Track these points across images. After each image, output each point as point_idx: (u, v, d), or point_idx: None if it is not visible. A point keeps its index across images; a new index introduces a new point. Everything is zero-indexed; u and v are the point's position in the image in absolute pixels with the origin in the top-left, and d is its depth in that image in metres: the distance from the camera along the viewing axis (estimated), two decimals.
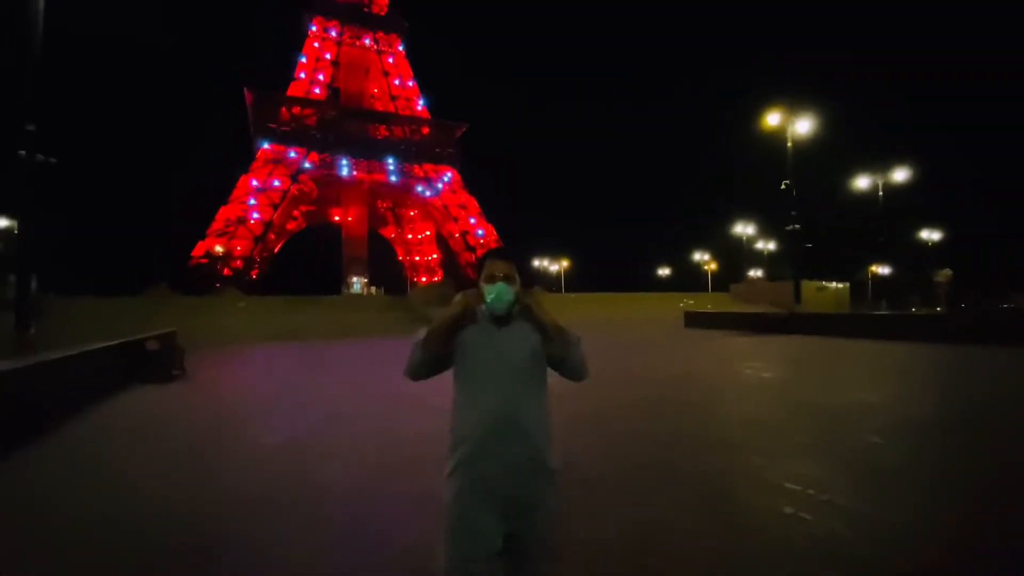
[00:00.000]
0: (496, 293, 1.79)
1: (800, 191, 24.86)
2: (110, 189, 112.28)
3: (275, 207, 67.31)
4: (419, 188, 76.60)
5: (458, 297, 1.86)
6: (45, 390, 7.34)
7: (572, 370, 1.87)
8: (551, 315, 1.84)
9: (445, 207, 76.37)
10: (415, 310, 30.04)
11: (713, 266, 62.17)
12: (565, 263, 66.07)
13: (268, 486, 4.44)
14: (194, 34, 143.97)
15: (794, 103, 24.93)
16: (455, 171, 78.11)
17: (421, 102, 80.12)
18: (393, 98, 78.98)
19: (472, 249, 73.34)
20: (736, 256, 58.93)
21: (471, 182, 78.99)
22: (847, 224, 62.04)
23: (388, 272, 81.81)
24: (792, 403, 7.82)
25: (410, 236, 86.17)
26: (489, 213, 77.76)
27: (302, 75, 74.81)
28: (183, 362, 12.68)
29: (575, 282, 65.27)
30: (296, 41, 78.37)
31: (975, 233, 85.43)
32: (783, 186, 24.56)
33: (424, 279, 79.31)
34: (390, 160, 75.20)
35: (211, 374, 13.06)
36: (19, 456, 5.59)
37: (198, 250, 64.36)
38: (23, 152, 9.10)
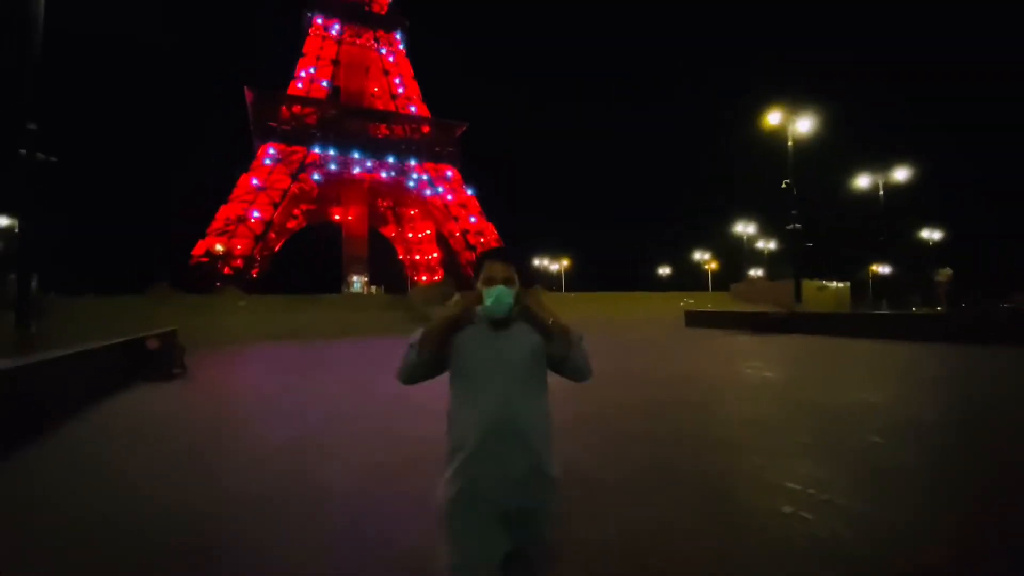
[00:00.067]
0: (496, 297, 1.73)
1: (800, 191, 24.86)
2: (110, 189, 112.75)
3: (275, 206, 67.33)
4: (419, 187, 76.54)
5: (456, 298, 1.81)
6: (45, 389, 7.34)
7: (574, 370, 1.81)
8: (553, 313, 1.79)
9: (445, 206, 76.38)
10: (415, 309, 30.03)
11: (713, 265, 62.15)
12: (565, 262, 66.10)
13: (268, 486, 4.44)
14: (194, 34, 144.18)
15: (794, 103, 24.93)
16: (455, 170, 78.13)
17: (421, 101, 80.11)
18: (393, 97, 79.03)
19: (472, 248, 73.36)
20: (736, 255, 58.95)
21: (471, 181, 79.11)
22: (847, 224, 62.10)
23: (388, 271, 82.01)
24: (792, 403, 7.82)
25: (410, 235, 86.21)
26: (489, 212, 77.97)
27: (302, 74, 74.86)
28: (183, 361, 12.69)
29: (575, 282, 65.39)
30: (296, 40, 78.54)
31: (975, 233, 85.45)
32: (783, 185, 24.55)
33: (424, 278, 79.34)
34: (390, 159, 75.20)
35: (211, 373, 13.06)
36: (19, 456, 5.59)
37: (198, 249, 64.43)
38: (23, 151, 9.10)
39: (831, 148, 39.89)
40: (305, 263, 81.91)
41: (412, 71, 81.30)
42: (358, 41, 78.98)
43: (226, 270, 62.87)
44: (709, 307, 39.57)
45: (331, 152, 71.84)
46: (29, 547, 3.40)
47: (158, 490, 4.40)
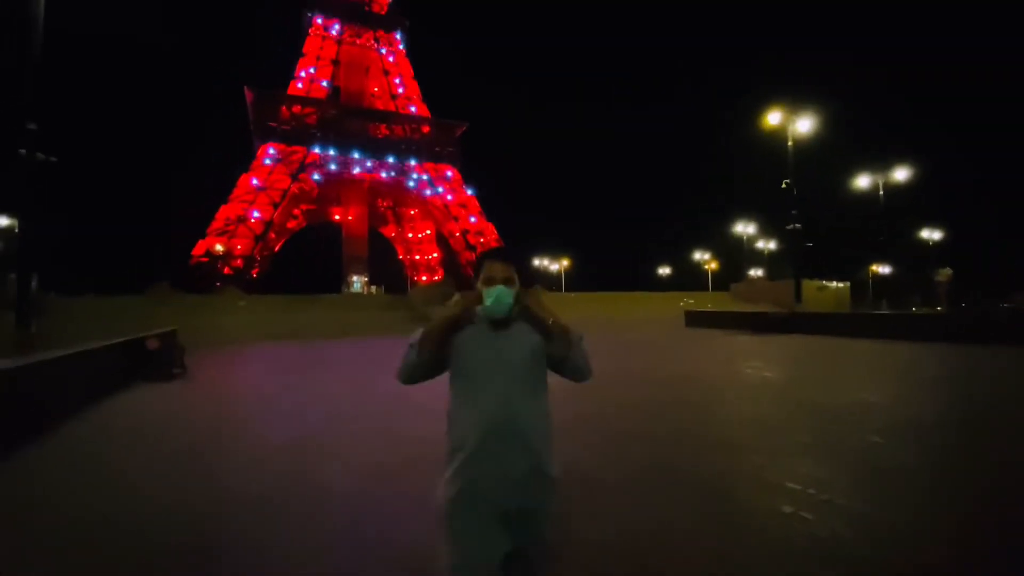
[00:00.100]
0: (496, 297, 1.72)
1: (800, 191, 24.84)
2: (110, 189, 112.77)
3: (275, 206, 67.33)
4: (419, 187, 76.54)
5: (456, 298, 1.80)
6: (45, 389, 7.34)
7: (574, 370, 1.81)
8: (553, 313, 1.78)
9: (445, 206, 76.38)
10: (415, 309, 30.04)
11: (713, 265, 62.14)
12: (565, 262, 66.10)
13: (268, 486, 4.44)
14: (194, 34, 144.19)
15: (794, 103, 24.92)
16: (455, 170, 78.14)
17: (421, 101, 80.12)
18: (393, 97, 79.02)
19: (472, 248, 73.37)
20: (736, 255, 58.93)
21: (472, 181, 79.11)
22: (847, 224, 62.13)
23: (388, 271, 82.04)
24: (793, 403, 7.82)
25: (410, 235, 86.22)
26: (489, 212, 77.99)
27: (302, 74, 74.85)
28: (183, 361, 12.69)
29: (575, 281, 65.40)
30: (296, 40, 78.56)
31: (975, 233, 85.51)
32: (784, 185, 24.54)
33: (424, 278, 79.35)
34: (390, 158, 75.21)
35: (211, 373, 13.06)
36: (19, 456, 5.59)
37: (198, 249, 64.44)
38: (24, 151, 9.10)
39: (831, 148, 39.94)
40: (305, 263, 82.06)
41: (412, 71, 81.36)
42: (358, 41, 78.98)
43: (226, 270, 62.87)
44: (709, 307, 39.57)
45: (331, 152, 71.83)
46: (29, 547, 3.40)
47: (158, 490, 4.40)
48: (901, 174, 30.67)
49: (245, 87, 68.81)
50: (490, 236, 75.55)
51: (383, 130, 76.88)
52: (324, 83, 75.67)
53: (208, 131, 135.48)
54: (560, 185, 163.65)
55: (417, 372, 1.80)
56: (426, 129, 78.42)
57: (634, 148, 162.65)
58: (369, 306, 36.44)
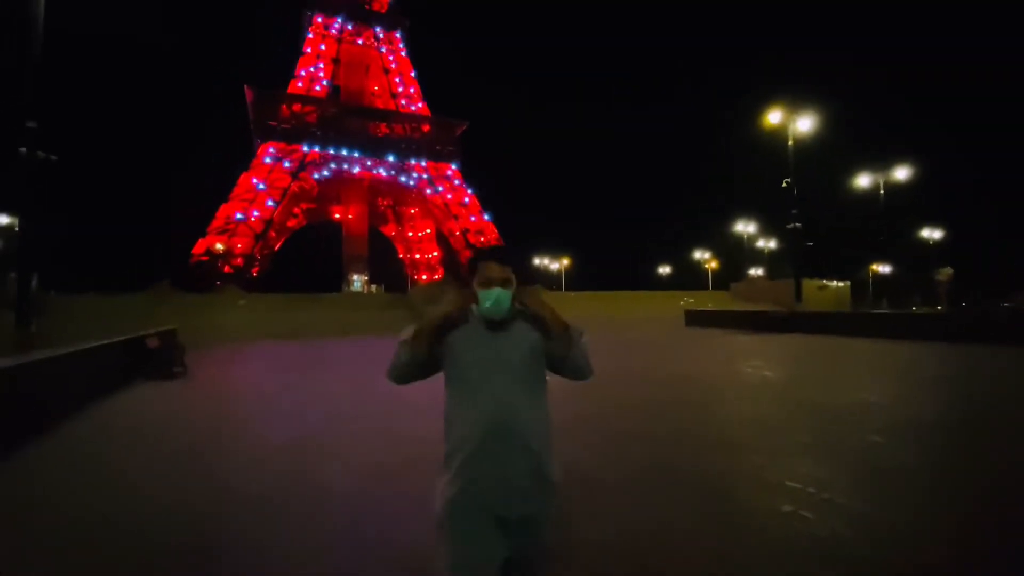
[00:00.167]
0: (494, 300, 1.68)
1: (800, 190, 24.80)
2: (110, 189, 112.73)
3: (276, 205, 67.30)
4: (419, 185, 76.52)
5: (450, 295, 1.76)
6: (46, 388, 7.34)
7: (575, 369, 1.76)
8: (553, 309, 1.72)
9: (446, 205, 76.33)
10: (416, 308, 30.04)
11: (714, 264, 62.15)
12: (565, 262, 66.10)
13: (268, 486, 4.44)
14: (194, 34, 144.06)
15: (794, 102, 24.89)
16: (456, 169, 78.07)
17: (421, 100, 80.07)
18: (394, 95, 78.91)
19: (473, 247, 73.36)
20: (737, 255, 58.95)
21: (472, 181, 79.04)
22: (848, 223, 62.12)
23: (388, 270, 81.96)
24: (793, 402, 7.82)
25: (410, 234, 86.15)
26: (490, 212, 77.87)
27: (302, 73, 74.74)
28: (184, 360, 12.69)
29: (576, 281, 65.41)
30: (296, 39, 78.45)
31: (976, 232, 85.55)
32: (784, 184, 24.52)
33: (425, 277, 79.33)
34: (391, 157, 75.17)
35: (212, 372, 13.07)
36: (19, 456, 5.59)
37: (199, 248, 64.40)
38: (24, 149, 9.09)
39: (831, 148, 39.95)
40: (305, 262, 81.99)
41: (412, 70, 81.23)
42: (358, 40, 78.85)
43: (226, 269, 62.83)
44: (709, 306, 39.57)
45: (331, 151, 71.77)
46: (29, 547, 3.40)
47: (158, 490, 4.40)
48: (901, 173, 30.67)
49: (245, 86, 68.74)
50: (490, 235, 75.47)
51: (383, 129, 76.78)
52: (324, 82, 75.58)
53: (208, 131, 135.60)
54: (560, 185, 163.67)
55: (409, 372, 1.76)
56: (426, 128, 78.33)
57: (634, 148, 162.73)
58: (369, 305, 36.46)
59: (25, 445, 5.92)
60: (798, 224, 24.81)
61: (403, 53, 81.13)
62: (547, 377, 1.78)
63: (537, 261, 65.64)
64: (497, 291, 1.68)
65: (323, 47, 76.43)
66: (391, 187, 78.58)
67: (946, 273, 42.22)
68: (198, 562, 3.12)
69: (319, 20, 76.72)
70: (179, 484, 4.57)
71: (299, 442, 5.97)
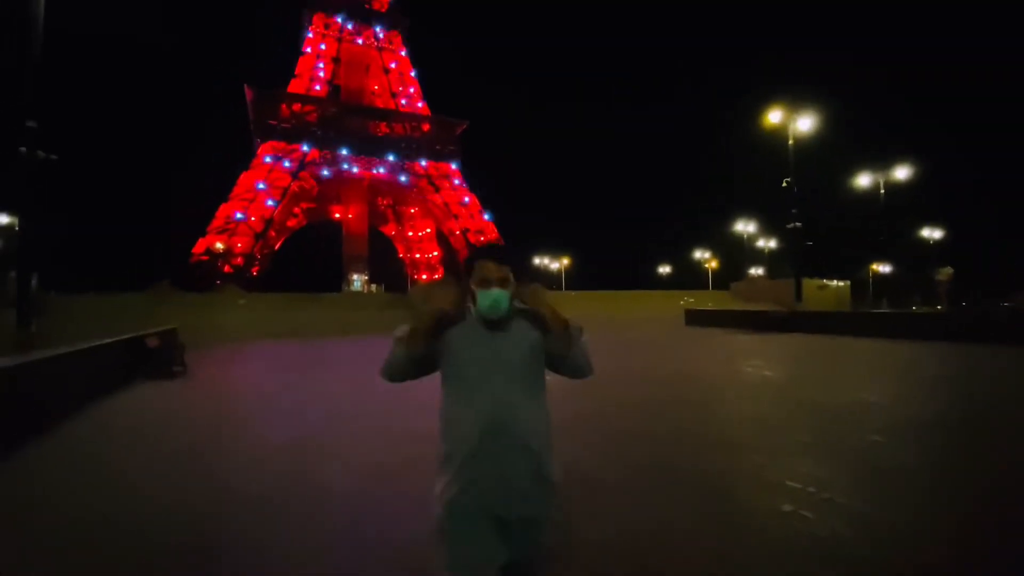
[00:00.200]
0: (492, 301, 1.64)
1: (801, 190, 24.79)
2: (110, 189, 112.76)
3: (275, 204, 67.30)
4: (419, 185, 76.51)
5: (446, 292, 1.70)
6: (46, 388, 7.34)
7: (575, 367, 1.73)
8: (553, 306, 1.68)
9: (446, 204, 76.33)
10: (416, 308, 30.01)
11: (714, 264, 62.16)
12: (566, 261, 66.11)
13: (268, 486, 4.44)
14: (194, 34, 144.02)
15: (795, 102, 24.88)
16: (456, 168, 78.06)
17: (422, 99, 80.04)
18: (394, 95, 78.90)
19: (473, 247, 73.19)
20: (737, 254, 58.97)
21: (472, 180, 79.05)
22: (848, 223, 62.14)
23: (388, 270, 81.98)
24: (793, 402, 7.82)
25: (411, 233, 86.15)
26: (490, 212, 77.86)
27: (302, 72, 74.74)
28: (184, 359, 12.69)
29: (576, 280, 65.39)
30: (296, 39, 78.44)
31: (976, 232, 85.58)
32: (784, 184, 24.51)
33: (425, 276, 79.36)
34: (391, 157, 75.16)
35: (212, 371, 13.07)
36: (19, 456, 5.59)
37: (199, 247, 64.42)
38: (24, 149, 9.09)
39: (831, 148, 39.95)
40: (305, 261, 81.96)
41: (412, 69, 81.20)
42: (358, 39, 78.86)
43: (226, 268, 62.85)
44: (709, 306, 39.55)
45: (331, 150, 71.78)
46: (29, 547, 3.40)
47: (158, 490, 4.40)
48: (901, 173, 30.65)
49: (245, 85, 68.76)
50: (490, 235, 75.44)
51: (383, 128, 76.78)
52: (324, 81, 75.60)
53: (208, 130, 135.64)
54: (560, 185, 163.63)
55: (404, 370, 1.72)
56: (426, 127, 78.32)
57: (634, 148, 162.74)
58: (369, 305, 36.45)
59: (25, 445, 5.92)
60: (798, 224, 24.81)
61: (403, 52, 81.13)
62: (546, 376, 1.75)
63: (537, 261, 65.70)
64: (495, 292, 1.65)
65: (323, 46, 76.43)
66: (391, 186, 78.59)
67: (946, 273, 42.24)
68: (198, 562, 3.12)
69: (319, 19, 76.72)
70: (179, 484, 4.57)
71: (299, 442, 5.97)
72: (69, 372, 8.33)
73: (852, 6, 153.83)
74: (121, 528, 3.63)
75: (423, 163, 76.27)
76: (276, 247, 74.80)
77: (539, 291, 1.69)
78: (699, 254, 62.44)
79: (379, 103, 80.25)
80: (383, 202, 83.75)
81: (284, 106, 71.03)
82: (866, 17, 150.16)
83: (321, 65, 75.61)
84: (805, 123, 24.56)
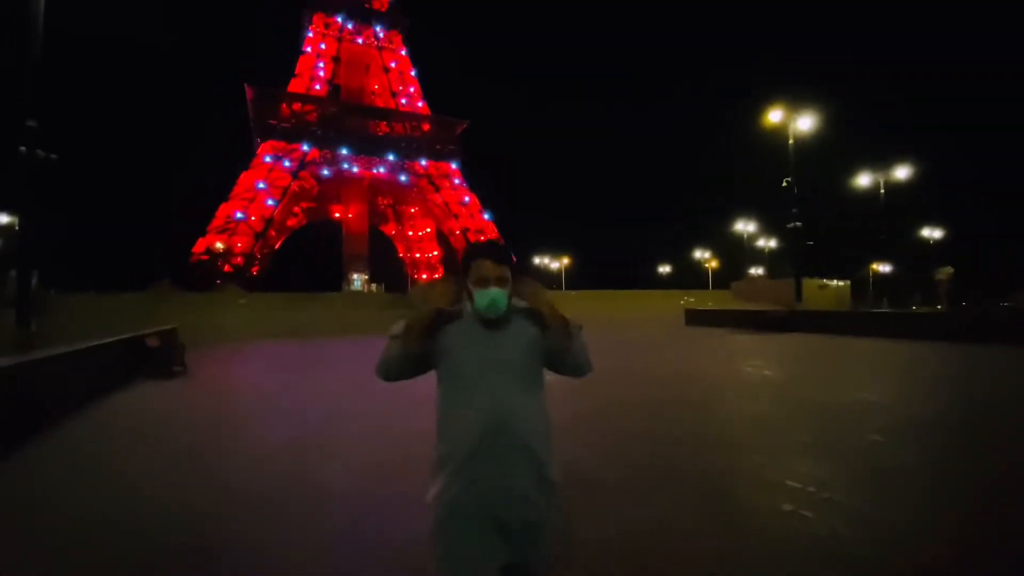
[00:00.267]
0: (489, 301, 1.61)
1: (801, 190, 24.79)
2: (111, 188, 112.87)
3: (276, 204, 67.30)
4: (419, 184, 76.50)
5: (443, 289, 1.68)
6: (46, 387, 7.34)
7: (574, 365, 1.70)
8: (552, 304, 1.64)
9: (446, 204, 76.32)
10: (417, 307, 29.99)
11: (714, 264, 62.20)
12: (566, 261, 66.13)
13: (268, 486, 4.44)
14: (194, 34, 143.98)
15: (795, 101, 24.88)
16: (456, 168, 78.05)
17: (422, 99, 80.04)
18: (394, 94, 78.89)
19: (469, 243, 73.06)
20: (737, 254, 58.97)
21: (472, 180, 79.06)
22: (848, 222, 62.12)
23: (389, 269, 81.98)
24: (793, 401, 7.82)
25: (411, 233, 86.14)
26: (490, 212, 77.89)
27: (303, 72, 74.72)
28: (184, 359, 12.69)
29: (576, 280, 65.42)
30: (296, 38, 78.41)
31: (976, 232, 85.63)
32: (784, 183, 24.50)
33: (425, 276, 79.35)
34: (391, 156, 75.15)
35: (212, 371, 13.07)
36: (19, 456, 5.59)
37: (199, 247, 64.41)
38: (24, 148, 9.08)
39: (831, 147, 39.96)
40: (305, 261, 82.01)
41: (412, 69, 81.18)
42: (359, 38, 78.83)
43: (226, 268, 62.87)
44: (710, 305, 39.55)
45: (331, 150, 71.78)
46: (29, 547, 3.40)
47: (158, 490, 4.40)
48: (901, 173, 30.68)
49: (245, 85, 68.71)
50: (490, 235, 75.42)
51: (383, 128, 76.77)
52: (325, 81, 75.59)
53: (208, 130, 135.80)
54: (560, 185, 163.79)
55: (399, 368, 1.68)
56: (427, 127, 78.30)
57: (634, 148, 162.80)
58: (369, 304, 36.46)
59: (25, 445, 5.92)
60: (798, 223, 24.80)
61: (403, 52, 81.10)
62: (545, 376, 1.73)
63: (538, 260, 65.72)
64: (493, 291, 1.61)
65: (323, 46, 76.40)
66: (391, 186, 78.59)
67: (946, 272, 42.22)
68: (198, 562, 3.12)
69: (319, 19, 76.70)
70: (179, 484, 4.57)
71: (299, 441, 5.97)
72: (69, 372, 8.34)
73: (852, 6, 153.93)
74: (121, 528, 3.63)
75: (423, 162, 76.26)
76: (276, 247, 74.80)
77: (538, 288, 1.66)
78: (699, 254, 62.49)
79: (379, 103, 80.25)
80: (383, 201, 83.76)
81: (284, 105, 71.01)
82: (866, 17, 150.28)
83: (321, 65, 75.58)
84: (805, 123, 24.56)
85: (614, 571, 2.90)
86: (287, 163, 68.69)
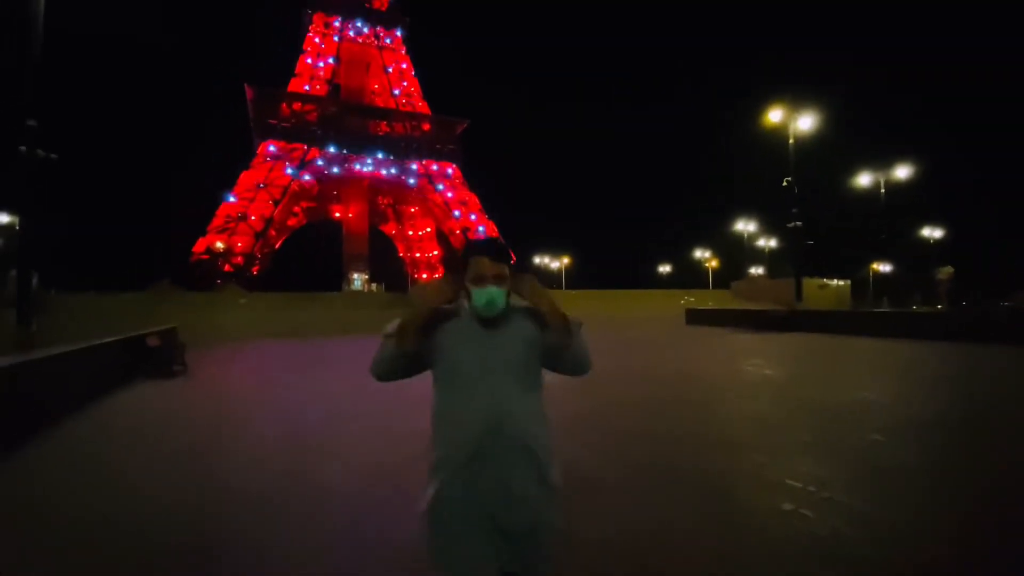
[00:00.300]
0: (487, 299, 1.57)
1: (801, 189, 24.76)
2: (111, 188, 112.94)
3: (276, 203, 67.32)
4: (419, 184, 76.50)
5: (439, 286, 1.63)
6: (46, 387, 7.34)
7: (575, 364, 1.67)
8: (551, 300, 1.62)
9: (446, 203, 76.30)
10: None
11: (714, 263, 62.19)
12: (566, 260, 66.14)
13: (268, 486, 4.44)
14: (194, 34, 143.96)
15: (795, 101, 24.86)
16: (456, 167, 78.04)
17: (422, 99, 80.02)
18: (394, 94, 78.87)
19: (468, 240, 72.96)
20: (737, 253, 58.95)
21: (472, 180, 79.02)
22: (848, 222, 62.12)
23: (389, 269, 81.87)
24: (793, 401, 7.81)
25: (411, 232, 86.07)
26: (490, 211, 77.88)
27: (302, 71, 74.72)
28: (184, 358, 12.69)
29: (576, 280, 65.43)
30: (296, 38, 78.37)
31: (976, 232, 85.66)
32: (785, 183, 24.49)
33: (425, 276, 79.32)
34: (391, 156, 75.13)
35: (212, 371, 13.07)
36: (19, 456, 5.59)
37: (199, 246, 64.42)
38: (24, 148, 9.08)
39: (832, 147, 40.00)
40: (306, 260, 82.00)
41: (413, 69, 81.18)
42: (359, 38, 78.82)
43: (227, 267, 62.88)
44: (710, 305, 39.55)
45: (331, 149, 71.76)
46: (29, 547, 3.40)
47: (158, 490, 4.40)
48: (902, 172, 30.68)
49: (245, 84, 68.64)
50: (491, 234, 75.50)
51: (383, 127, 76.73)
52: (324, 80, 75.58)
53: (208, 130, 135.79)
54: (560, 185, 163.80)
55: (394, 367, 1.65)
56: (427, 126, 78.26)
57: (634, 148, 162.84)
58: (369, 304, 36.45)
59: (25, 445, 5.92)
60: (799, 223, 24.78)
61: (403, 52, 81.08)
62: (545, 375, 1.71)
63: (537, 260, 65.71)
64: (491, 290, 1.58)
65: (323, 45, 76.38)
66: (391, 185, 78.55)
67: (946, 272, 42.22)
68: (198, 562, 3.12)
69: (319, 18, 76.67)
70: (179, 484, 4.57)
71: (299, 441, 5.97)
72: (69, 371, 8.34)
73: (852, 6, 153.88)
74: (121, 528, 3.63)
75: (423, 162, 76.24)
76: (276, 246, 74.81)
77: (537, 285, 1.63)
78: (699, 253, 62.48)
79: (379, 102, 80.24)
80: (383, 201, 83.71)
81: (284, 105, 70.99)
82: (866, 17, 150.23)
83: (321, 64, 75.57)
84: (805, 122, 24.54)
85: (614, 571, 2.90)
86: (287, 163, 68.70)
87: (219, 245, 63.70)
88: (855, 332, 19.50)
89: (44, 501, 4.25)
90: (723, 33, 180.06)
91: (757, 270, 58.50)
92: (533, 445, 1.56)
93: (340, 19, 77.59)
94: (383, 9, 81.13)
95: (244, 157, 69.77)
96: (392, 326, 1.64)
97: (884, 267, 53.35)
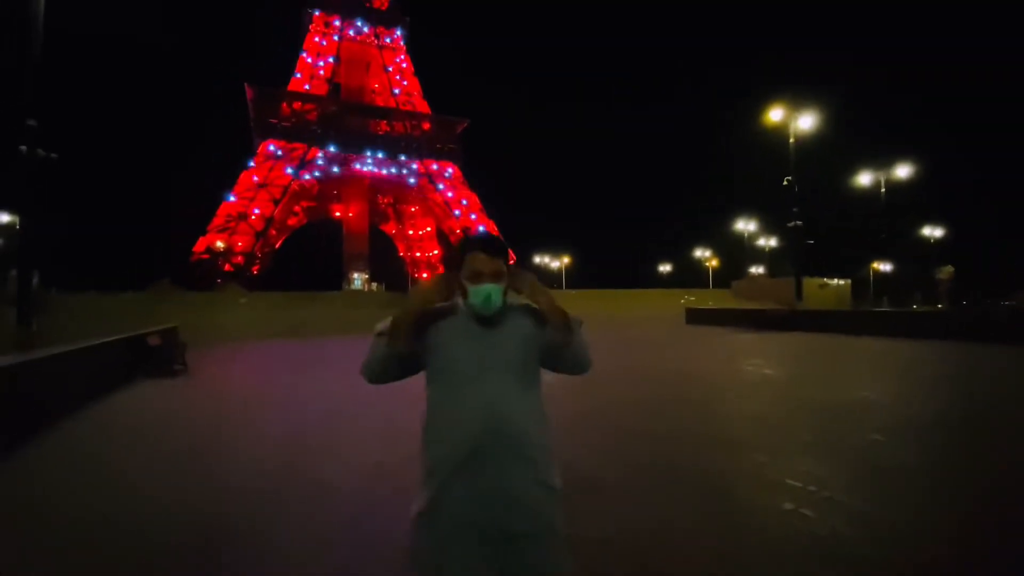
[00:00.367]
0: (484, 297, 1.51)
1: (801, 189, 24.73)
2: (111, 188, 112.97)
3: (276, 203, 67.34)
4: (419, 183, 76.49)
5: (435, 283, 1.57)
6: (46, 386, 7.34)
7: (573, 362, 1.62)
8: (550, 297, 1.55)
9: (446, 203, 76.31)
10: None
11: (714, 263, 62.17)
12: (566, 260, 66.12)
13: (268, 485, 4.44)
14: (194, 34, 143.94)
15: (795, 100, 24.84)
16: (456, 167, 78.05)
17: (422, 98, 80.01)
18: (394, 93, 78.87)
19: (465, 234, 72.85)
20: (737, 253, 58.93)
21: (472, 180, 79.03)
22: (848, 221, 62.05)
23: (389, 268, 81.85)
24: (793, 400, 7.82)
25: (411, 232, 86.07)
26: (490, 211, 77.93)
27: (303, 71, 74.72)
28: (184, 358, 12.70)
29: (576, 279, 65.36)
30: (296, 38, 78.37)
31: (976, 231, 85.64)
32: (785, 182, 24.47)
33: (426, 275, 79.31)
34: (391, 155, 75.13)
35: (212, 370, 13.07)
36: (19, 456, 5.59)
37: (199, 246, 64.46)
38: (24, 147, 9.08)
39: (832, 147, 39.95)
40: (306, 260, 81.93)
41: (413, 68, 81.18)
42: (359, 37, 78.80)
43: (227, 267, 62.94)
44: (710, 304, 39.52)
45: (331, 149, 71.77)
46: (29, 547, 3.40)
47: (158, 490, 4.40)
48: (902, 172, 30.66)
49: (245, 84, 68.66)
50: (489, 230, 75.46)
51: (383, 127, 76.76)
52: (325, 80, 75.59)
53: (208, 129, 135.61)
54: (560, 185, 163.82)
55: (386, 368, 1.59)
56: (427, 126, 78.27)
57: (634, 148, 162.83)
58: (370, 303, 36.47)
59: (25, 445, 5.92)
60: (799, 222, 24.76)
61: (403, 51, 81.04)
62: (544, 375, 1.66)
63: (537, 260, 65.69)
64: (488, 286, 1.52)
65: (323, 45, 76.37)
66: (391, 185, 78.58)
67: (947, 272, 42.15)
68: (198, 562, 3.12)
69: (319, 18, 76.65)
70: (179, 484, 4.57)
71: (299, 440, 5.97)
72: (69, 371, 8.34)
73: (852, 6, 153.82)
74: (121, 528, 3.63)
75: (423, 161, 76.24)
76: (277, 246, 74.83)
77: (534, 280, 1.57)
78: (699, 253, 62.44)
79: (379, 101, 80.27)
80: (383, 200, 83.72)
81: (284, 104, 71.01)
82: (866, 17, 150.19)
83: (321, 64, 75.59)
84: (806, 121, 24.51)
85: (614, 571, 2.90)
86: (287, 162, 68.71)
87: (219, 245, 63.75)
88: (855, 332, 19.50)
89: (44, 501, 4.25)
90: (723, 33, 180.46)
91: (757, 269, 58.48)
92: (533, 447, 1.51)
93: (340, 19, 77.58)
94: (383, 9, 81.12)
95: (244, 157, 69.85)
96: (383, 324, 1.57)
97: (884, 266, 53.31)
